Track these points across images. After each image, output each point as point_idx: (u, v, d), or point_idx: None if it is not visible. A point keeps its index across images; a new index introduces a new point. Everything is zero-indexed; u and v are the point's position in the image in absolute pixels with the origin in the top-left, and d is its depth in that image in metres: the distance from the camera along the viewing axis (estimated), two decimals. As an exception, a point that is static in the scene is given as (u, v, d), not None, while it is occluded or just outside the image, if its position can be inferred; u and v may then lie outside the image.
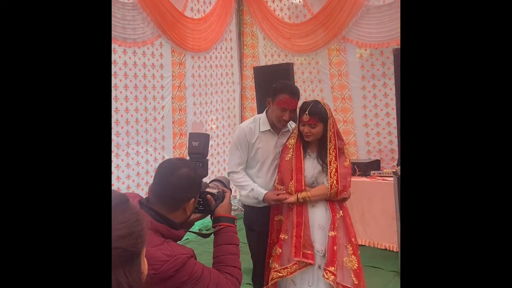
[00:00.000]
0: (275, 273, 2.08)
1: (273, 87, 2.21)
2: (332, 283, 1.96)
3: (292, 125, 2.26)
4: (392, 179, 3.06)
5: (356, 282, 1.98)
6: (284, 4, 4.52)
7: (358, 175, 3.64)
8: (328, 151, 2.05)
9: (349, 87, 4.20)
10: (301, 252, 2.02)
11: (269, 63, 4.63)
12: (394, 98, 3.10)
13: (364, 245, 3.55)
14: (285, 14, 4.54)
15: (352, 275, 1.99)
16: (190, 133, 1.46)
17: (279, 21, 4.51)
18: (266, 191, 2.17)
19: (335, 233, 2.00)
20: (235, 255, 1.29)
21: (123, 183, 3.68)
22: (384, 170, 3.66)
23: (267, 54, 4.77)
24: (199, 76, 4.56)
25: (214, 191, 1.35)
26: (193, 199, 1.24)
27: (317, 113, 2.03)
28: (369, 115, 4.11)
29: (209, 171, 5.04)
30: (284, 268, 2.07)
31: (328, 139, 2.05)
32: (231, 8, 4.72)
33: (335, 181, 2.02)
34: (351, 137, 4.25)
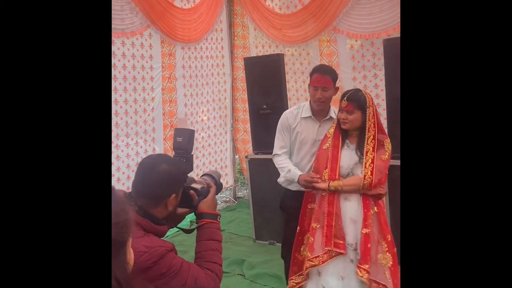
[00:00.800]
0: (308, 262, 2.08)
1: (310, 72, 2.32)
2: (366, 281, 1.95)
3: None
4: (382, 169, 3.08)
5: (390, 280, 1.96)
6: (275, -6, 4.49)
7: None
8: (366, 141, 2.02)
9: (340, 78, 4.18)
10: (332, 242, 2.01)
11: (260, 54, 4.60)
12: (384, 89, 3.11)
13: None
14: (276, 4, 4.51)
15: (386, 272, 1.97)
16: (175, 129, 1.47)
17: (270, 12, 4.48)
18: (301, 173, 2.21)
19: (369, 230, 1.97)
20: (216, 251, 1.30)
21: (113, 175, 3.66)
22: (374, 161, 3.68)
23: (258, 45, 4.74)
24: (190, 67, 4.52)
25: (198, 186, 1.35)
26: (174, 195, 1.24)
27: (355, 99, 2.02)
28: (359, 106, 4.13)
29: (201, 163, 5.03)
30: (316, 257, 2.06)
31: (367, 129, 2.02)
32: (222, -2, 4.67)
33: (369, 172, 1.97)
34: (342, 128, 4.26)
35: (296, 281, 2.16)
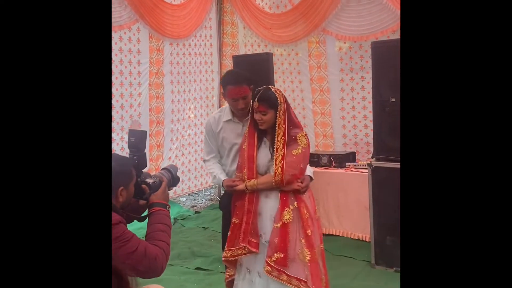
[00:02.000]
0: (223, 253, 2.16)
1: (221, 79, 2.26)
2: (267, 274, 1.97)
3: None
4: (366, 171, 3.11)
5: (309, 276, 1.97)
6: (265, -6, 4.49)
7: (334, 167, 3.69)
8: (276, 138, 2.03)
9: (327, 79, 4.23)
10: (248, 239, 2.04)
11: (249, 53, 4.60)
12: (371, 91, 3.14)
13: (338, 235, 3.62)
14: (266, 3, 4.51)
15: (305, 268, 1.98)
16: (129, 130, 1.63)
17: (260, 11, 4.48)
18: (225, 178, 2.24)
19: (279, 224, 1.99)
20: (164, 232, 1.45)
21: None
22: (359, 162, 3.72)
23: (247, 44, 4.74)
24: (178, 64, 4.49)
25: (150, 181, 1.54)
26: (121, 187, 1.41)
27: (266, 99, 2.03)
28: (346, 108, 4.16)
29: (186, 160, 4.97)
30: (229, 250, 2.11)
31: (277, 126, 2.03)
32: (212, -4, 4.65)
33: (279, 169, 1.99)
34: (328, 129, 4.29)
35: (229, 274, 2.21)
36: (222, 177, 2.25)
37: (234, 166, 2.24)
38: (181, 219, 4.33)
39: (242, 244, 2.06)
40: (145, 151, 1.59)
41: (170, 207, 1.56)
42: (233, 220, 2.14)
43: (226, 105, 2.33)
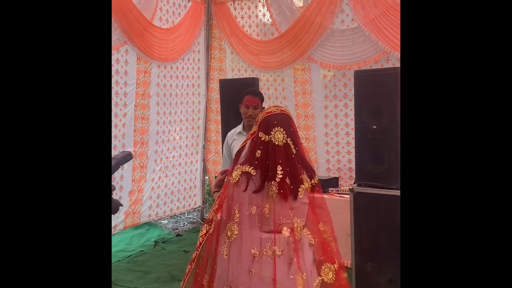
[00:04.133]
0: None
1: (241, 94, 2.80)
2: None
3: None
4: (348, 196, 3.14)
5: None
6: (253, 21, 4.61)
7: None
8: None
9: (312, 105, 4.31)
10: None
11: (236, 77, 4.67)
12: (354, 118, 3.21)
13: (320, 261, 3.61)
14: (254, 31, 4.63)
15: None
16: (123, 150, 1.74)
17: (248, 37, 4.59)
18: None
19: None
20: None
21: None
22: (342, 188, 3.75)
23: (234, 69, 4.82)
24: (164, 86, 4.52)
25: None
26: None
27: None
28: (330, 133, 4.24)
29: (170, 182, 4.86)
30: None
31: None
32: (200, 21, 4.75)
33: None
34: (312, 154, 4.34)
35: None
36: None
37: None
38: (162, 242, 4.26)
39: None
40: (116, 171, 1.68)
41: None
42: None
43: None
